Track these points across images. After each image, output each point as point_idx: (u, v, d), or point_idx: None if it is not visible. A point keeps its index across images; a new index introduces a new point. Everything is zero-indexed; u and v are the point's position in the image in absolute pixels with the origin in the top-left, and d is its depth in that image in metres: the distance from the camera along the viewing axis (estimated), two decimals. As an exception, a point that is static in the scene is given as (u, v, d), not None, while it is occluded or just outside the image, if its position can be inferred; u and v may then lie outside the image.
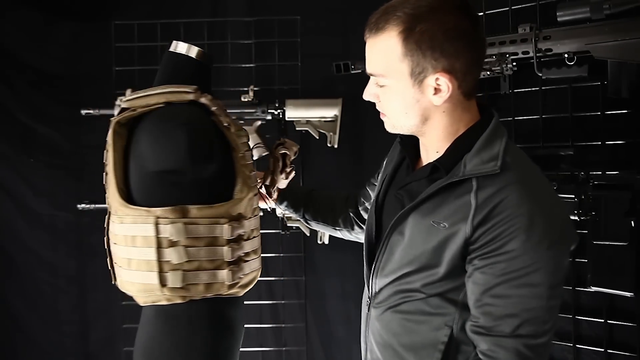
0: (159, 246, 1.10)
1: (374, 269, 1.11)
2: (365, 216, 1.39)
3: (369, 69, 1.01)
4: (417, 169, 1.12)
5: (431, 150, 1.07)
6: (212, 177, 1.15)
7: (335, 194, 1.55)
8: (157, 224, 1.09)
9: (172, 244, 1.10)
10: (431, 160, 1.05)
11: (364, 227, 1.39)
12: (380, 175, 1.27)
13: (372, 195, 1.37)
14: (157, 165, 1.11)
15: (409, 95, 0.99)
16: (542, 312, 0.93)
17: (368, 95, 1.05)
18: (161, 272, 1.11)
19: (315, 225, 1.51)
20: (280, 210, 1.49)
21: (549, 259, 0.93)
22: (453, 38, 0.95)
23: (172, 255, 1.10)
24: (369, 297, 1.14)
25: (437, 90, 0.98)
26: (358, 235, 1.45)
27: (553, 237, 0.94)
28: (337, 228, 1.47)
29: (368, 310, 1.14)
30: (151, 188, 1.12)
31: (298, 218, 1.51)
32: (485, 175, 0.95)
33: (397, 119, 1.04)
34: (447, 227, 0.97)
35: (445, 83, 0.97)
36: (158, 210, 1.10)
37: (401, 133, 1.08)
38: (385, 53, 0.97)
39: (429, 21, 0.95)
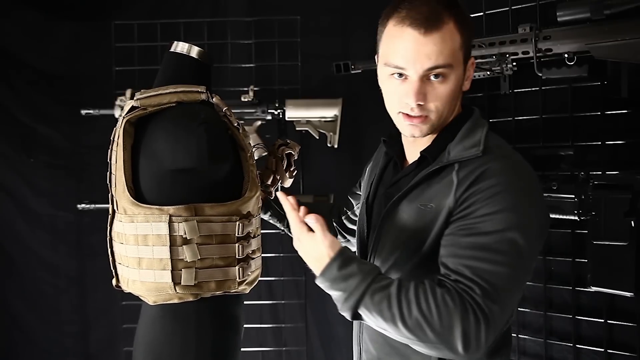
0: (173, 244, 1.11)
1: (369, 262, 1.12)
2: (349, 225, 1.42)
3: (434, 62, 0.98)
4: (404, 167, 1.15)
5: (423, 146, 1.09)
6: (225, 176, 1.17)
7: (320, 205, 1.58)
8: (170, 222, 1.10)
9: (186, 241, 1.12)
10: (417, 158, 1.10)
11: (348, 236, 1.43)
12: (365, 180, 1.29)
13: (355, 202, 1.40)
14: (175, 164, 1.11)
15: (460, 82, 1.03)
16: (503, 279, 0.92)
17: (421, 96, 1.00)
18: (174, 270, 1.12)
19: None
20: (266, 218, 1.49)
21: (520, 227, 0.94)
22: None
23: (185, 253, 1.12)
24: None
25: (468, 74, 1.06)
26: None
27: (527, 208, 0.96)
28: None
29: None
30: (164, 186, 1.13)
31: (282, 229, 1.52)
32: (467, 159, 1.01)
33: (443, 113, 1.03)
34: (434, 207, 1.01)
35: (472, 66, 1.07)
36: (171, 209, 1.11)
37: (427, 133, 1.06)
38: (451, 43, 0.99)
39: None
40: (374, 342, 1.11)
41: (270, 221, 1.51)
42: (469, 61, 1.05)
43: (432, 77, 0.99)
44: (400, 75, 1.01)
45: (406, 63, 0.99)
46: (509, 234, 0.93)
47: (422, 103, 1.00)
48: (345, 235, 1.45)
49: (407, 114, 1.03)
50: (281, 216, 1.49)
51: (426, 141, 1.09)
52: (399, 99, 1.03)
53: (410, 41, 0.98)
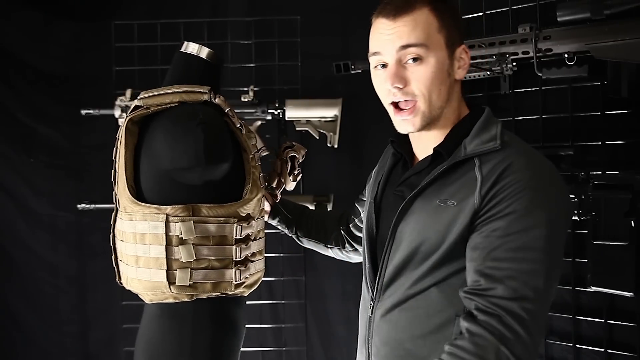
0: (169, 244, 1.11)
1: (382, 264, 1.09)
2: (357, 233, 1.40)
3: (405, 40, 1.01)
4: (414, 165, 1.13)
5: (431, 143, 1.08)
6: (224, 177, 1.16)
7: (328, 213, 1.58)
8: (167, 222, 1.10)
9: (182, 241, 1.12)
10: (428, 155, 1.09)
11: (355, 244, 1.41)
12: (371, 182, 1.27)
13: (362, 210, 1.37)
14: (172, 163, 1.11)
15: (445, 66, 1.04)
16: (541, 277, 0.93)
17: (398, 78, 1.02)
18: (170, 270, 1.12)
19: (307, 243, 1.51)
20: (274, 224, 1.49)
21: (550, 222, 0.95)
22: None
23: (181, 253, 1.11)
24: (372, 300, 1.12)
25: (460, 63, 1.06)
26: (349, 254, 1.46)
27: (554, 202, 0.97)
28: (328, 246, 1.47)
29: (371, 314, 1.12)
30: (163, 186, 1.13)
31: (290, 235, 1.51)
32: (486, 153, 1.00)
33: (430, 98, 1.03)
34: (456, 204, 0.99)
35: (465, 54, 1.07)
36: (169, 208, 1.11)
37: (420, 126, 1.05)
38: (424, 25, 1.02)
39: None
40: (386, 345, 1.08)
41: (279, 227, 1.50)
42: (458, 48, 1.06)
43: (409, 61, 1.02)
44: (383, 65, 1.05)
45: (381, 47, 1.04)
46: (540, 230, 0.93)
47: (400, 86, 1.02)
48: (353, 244, 1.42)
49: (397, 106, 1.05)
50: (290, 222, 1.48)
51: (438, 137, 1.08)
52: (383, 88, 1.06)
53: (383, 27, 1.03)
